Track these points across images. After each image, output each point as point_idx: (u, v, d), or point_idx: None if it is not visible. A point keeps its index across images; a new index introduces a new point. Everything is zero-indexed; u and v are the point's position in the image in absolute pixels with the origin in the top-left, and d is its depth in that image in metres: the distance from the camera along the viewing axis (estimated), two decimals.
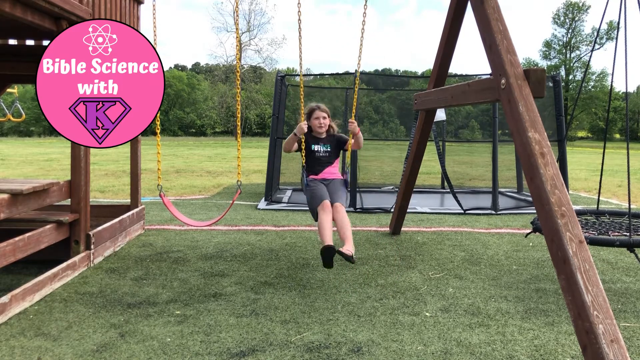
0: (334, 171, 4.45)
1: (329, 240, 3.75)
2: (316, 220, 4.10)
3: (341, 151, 4.53)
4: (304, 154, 4.36)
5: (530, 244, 5.51)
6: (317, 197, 4.10)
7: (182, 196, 9.06)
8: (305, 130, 4.29)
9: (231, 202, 4.48)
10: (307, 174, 4.39)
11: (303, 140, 4.33)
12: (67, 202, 4.43)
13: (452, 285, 4.06)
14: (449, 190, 10.02)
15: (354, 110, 4.64)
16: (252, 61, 51.04)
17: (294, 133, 4.30)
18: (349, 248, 3.75)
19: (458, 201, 7.40)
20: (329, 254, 3.65)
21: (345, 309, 3.51)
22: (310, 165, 4.40)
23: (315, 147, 4.40)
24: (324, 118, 4.41)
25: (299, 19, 4.25)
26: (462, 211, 7.42)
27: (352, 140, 4.40)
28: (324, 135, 4.47)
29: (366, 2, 4.42)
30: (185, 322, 3.24)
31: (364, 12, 4.41)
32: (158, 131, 4.17)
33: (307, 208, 7.64)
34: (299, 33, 4.30)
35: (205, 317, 3.32)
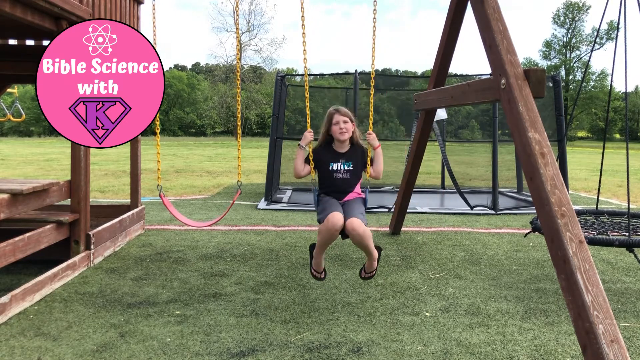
0: (354, 197, 3.57)
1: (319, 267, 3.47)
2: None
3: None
4: (314, 174, 3.57)
5: (530, 244, 5.51)
6: (327, 210, 3.28)
7: (182, 196, 9.06)
8: (311, 138, 3.60)
9: (231, 202, 4.49)
10: (322, 190, 3.60)
11: (312, 157, 3.56)
12: (67, 202, 4.43)
13: (452, 285, 4.06)
14: (449, 190, 10.06)
15: (371, 118, 3.73)
16: (252, 61, 51.04)
17: (299, 145, 3.58)
18: (372, 265, 3.44)
19: (465, 199, 7.40)
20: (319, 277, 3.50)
21: (345, 309, 3.51)
22: (326, 189, 3.56)
23: (335, 166, 3.53)
24: (345, 122, 3.52)
25: (302, 16, 3.66)
26: (470, 208, 7.43)
27: (370, 160, 3.61)
28: (346, 148, 3.58)
29: (375, 2, 4.05)
30: (185, 322, 3.24)
31: (374, 9, 3.77)
32: (158, 131, 4.17)
33: (307, 208, 7.69)
34: (303, 30, 3.67)
35: (205, 317, 3.32)
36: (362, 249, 3.37)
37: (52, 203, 4.15)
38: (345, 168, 3.55)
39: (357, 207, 3.41)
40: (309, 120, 3.72)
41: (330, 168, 3.54)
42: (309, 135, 3.59)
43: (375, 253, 3.43)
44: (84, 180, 4.35)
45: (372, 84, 3.73)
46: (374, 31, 3.72)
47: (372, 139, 3.61)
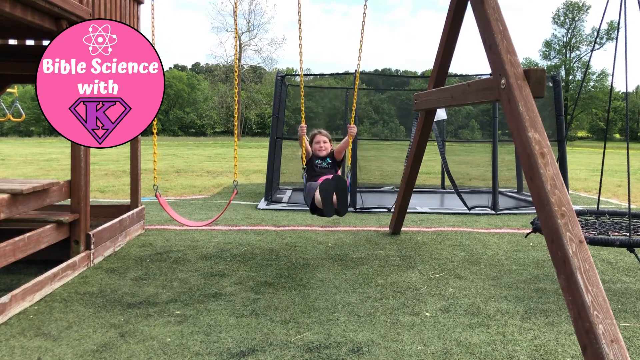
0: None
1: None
2: (313, 212, 4.42)
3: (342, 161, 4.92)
4: (304, 163, 4.68)
5: (530, 244, 5.51)
6: (315, 187, 4.33)
7: (182, 196, 9.06)
8: (304, 133, 4.69)
9: (228, 202, 4.49)
10: (308, 179, 4.69)
11: (304, 148, 4.68)
12: (67, 202, 4.43)
13: (452, 285, 4.06)
14: (449, 190, 10.05)
15: (353, 113, 4.93)
16: (252, 61, 51.01)
17: (300, 136, 4.78)
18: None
19: (463, 200, 7.40)
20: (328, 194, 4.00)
21: (345, 309, 3.51)
22: (311, 175, 4.71)
23: (317, 162, 4.79)
24: (325, 142, 4.82)
25: (299, 18, 4.34)
26: (467, 209, 7.41)
27: (346, 145, 4.79)
28: (325, 154, 4.88)
29: (366, 2, 4.52)
30: (185, 322, 3.24)
31: (364, 13, 4.57)
32: (155, 131, 4.18)
33: (307, 208, 7.69)
34: (299, 32, 4.44)
35: (205, 317, 3.32)
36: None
37: (52, 203, 4.15)
38: (325, 164, 4.78)
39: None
40: (303, 116, 4.84)
41: (315, 162, 4.76)
42: (302, 130, 4.69)
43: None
44: (84, 180, 4.35)
45: (357, 82, 4.82)
46: (362, 26, 4.65)
47: (353, 132, 4.68)
